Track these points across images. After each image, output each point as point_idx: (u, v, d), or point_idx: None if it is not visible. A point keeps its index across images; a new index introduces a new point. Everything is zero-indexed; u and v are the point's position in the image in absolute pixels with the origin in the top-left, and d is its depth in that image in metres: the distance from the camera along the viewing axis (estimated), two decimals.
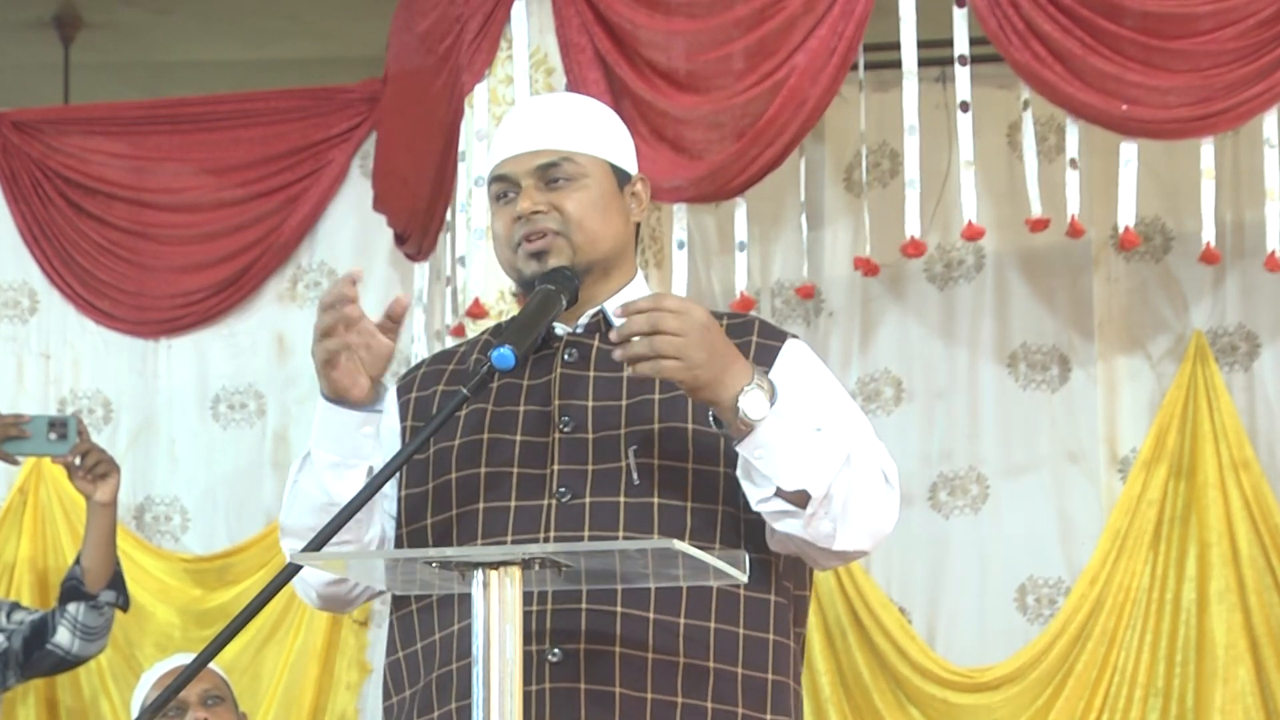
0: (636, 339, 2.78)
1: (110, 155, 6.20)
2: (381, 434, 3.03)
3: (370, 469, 2.96)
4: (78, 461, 5.02)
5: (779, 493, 2.83)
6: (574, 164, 3.02)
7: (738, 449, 2.83)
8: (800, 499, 2.83)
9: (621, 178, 3.07)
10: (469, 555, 2.62)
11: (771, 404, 2.80)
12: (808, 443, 2.83)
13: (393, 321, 2.93)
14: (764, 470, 2.82)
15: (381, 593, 3.10)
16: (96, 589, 5.00)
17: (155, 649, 5.94)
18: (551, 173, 3.02)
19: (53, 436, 5.04)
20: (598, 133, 3.07)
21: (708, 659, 2.90)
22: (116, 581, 5.04)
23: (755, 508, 2.87)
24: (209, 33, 7.51)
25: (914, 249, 5.15)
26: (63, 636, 4.99)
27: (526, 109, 3.13)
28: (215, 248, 6.16)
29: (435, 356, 3.17)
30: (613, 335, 2.81)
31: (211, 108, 6.25)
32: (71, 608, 4.99)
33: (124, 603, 5.08)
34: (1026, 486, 5.81)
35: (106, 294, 6.17)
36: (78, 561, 5.05)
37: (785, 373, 2.98)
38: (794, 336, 3.07)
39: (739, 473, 2.87)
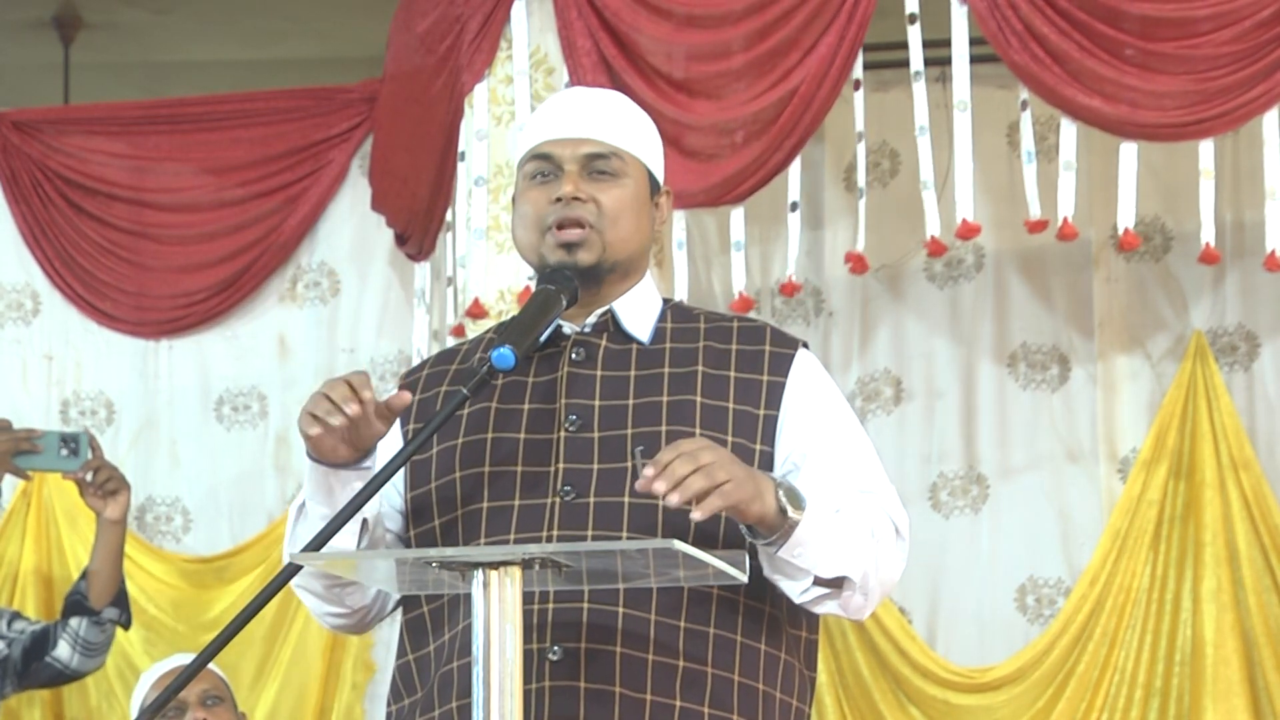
0: (689, 481, 2.70)
1: (110, 155, 6.20)
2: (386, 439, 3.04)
3: (365, 520, 2.94)
4: (89, 478, 5.02)
5: (817, 581, 2.85)
6: (620, 160, 3.01)
7: (778, 554, 2.82)
8: (837, 582, 2.86)
9: (653, 185, 3.07)
10: (469, 555, 2.62)
11: (801, 502, 2.81)
12: (836, 530, 2.84)
13: (390, 411, 2.87)
14: (803, 565, 2.83)
15: (392, 611, 3.09)
16: (100, 605, 4.99)
17: (156, 650, 5.94)
18: (598, 164, 3.00)
19: (64, 452, 5.03)
20: (642, 136, 3.07)
21: (706, 663, 2.89)
22: (120, 599, 5.03)
23: (796, 600, 2.88)
24: (209, 33, 7.51)
25: (935, 248, 5.15)
26: (63, 650, 4.98)
27: (576, 95, 3.12)
28: (215, 248, 6.16)
29: (438, 356, 3.16)
30: (658, 487, 2.68)
31: (211, 108, 6.25)
32: (74, 622, 4.99)
33: (126, 620, 5.07)
34: (1026, 486, 5.81)
35: (108, 295, 6.17)
36: (83, 576, 5.04)
37: (798, 394, 2.99)
38: (804, 345, 3.07)
39: (768, 572, 2.87)
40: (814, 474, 2.94)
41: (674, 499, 2.68)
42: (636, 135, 3.05)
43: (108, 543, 5.01)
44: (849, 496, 2.92)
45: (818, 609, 2.90)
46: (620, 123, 3.04)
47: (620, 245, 3.00)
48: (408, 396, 2.90)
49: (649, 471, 2.70)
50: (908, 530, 2.97)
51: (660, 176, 3.10)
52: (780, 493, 2.80)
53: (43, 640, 5.01)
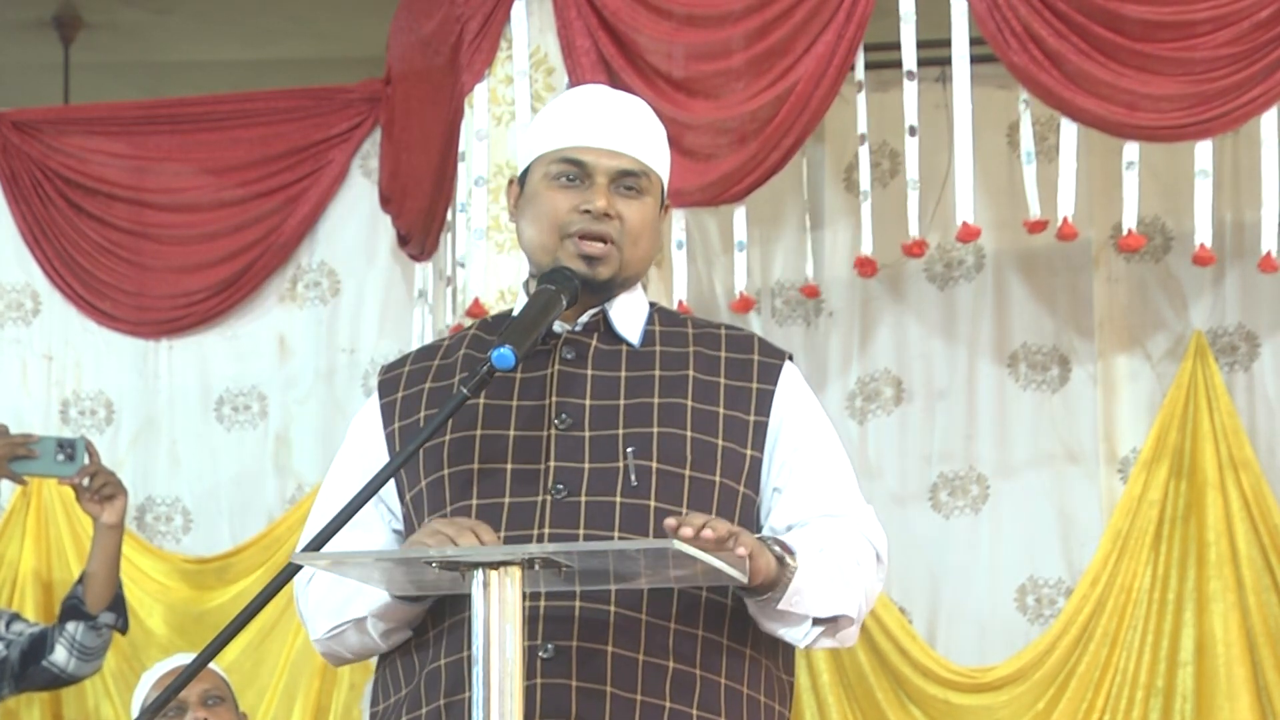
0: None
1: (110, 155, 6.20)
2: (364, 440, 3.04)
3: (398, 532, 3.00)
4: (85, 483, 5.02)
5: (815, 622, 2.88)
6: (648, 180, 3.02)
7: (778, 606, 2.84)
8: (833, 620, 2.90)
9: (661, 201, 3.08)
10: (469, 555, 2.62)
11: (792, 554, 2.83)
12: (827, 572, 2.87)
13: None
14: (801, 612, 2.86)
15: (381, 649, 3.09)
16: (97, 610, 4.99)
17: (157, 650, 5.95)
18: (628, 180, 3.00)
19: (60, 458, 5.03)
20: (665, 153, 3.09)
21: (695, 665, 2.90)
22: (117, 604, 5.03)
23: (800, 645, 2.93)
24: (209, 33, 7.51)
25: (916, 249, 5.15)
26: (60, 655, 4.98)
27: (611, 101, 3.09)
28: (215, 248, 6.16)
29: (419, 353, 3.13)
30: (707, 533, 2.70)
31: (211, 108, 6.25)
32: (70, 627, 4.99)
33: (123, 625, 5.07)
34: (1026, 486, 5.81)
35: (107, 295, 6.17)
36: (80, 580, 5.04)
37: (786, 405, 3.01)
38: (789, 357, 3.08)
39: (764, 622, 2.89)
40: (797, 495, 2.96)
41: (708, 535, 2.67)
42: (661, 152, 3.07)
43: (104, 547, 5.01)
44: (828, 529, 2.94)
45: (818, 647, 2.94)
46: (651, 139, 3.05)
47: (637, 263, 3.02)
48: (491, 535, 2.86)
49: (684, 530, 2.67)
50: (886, 553, 3.00)
51: (667, 190, 3.11)
52: (773, 546, 2.82)
53: (41, 643, 5.01)
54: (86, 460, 5.05)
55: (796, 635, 2.90)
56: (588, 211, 2.96)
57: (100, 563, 5.00)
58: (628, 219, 2.98)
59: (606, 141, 3.00)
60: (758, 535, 2.84)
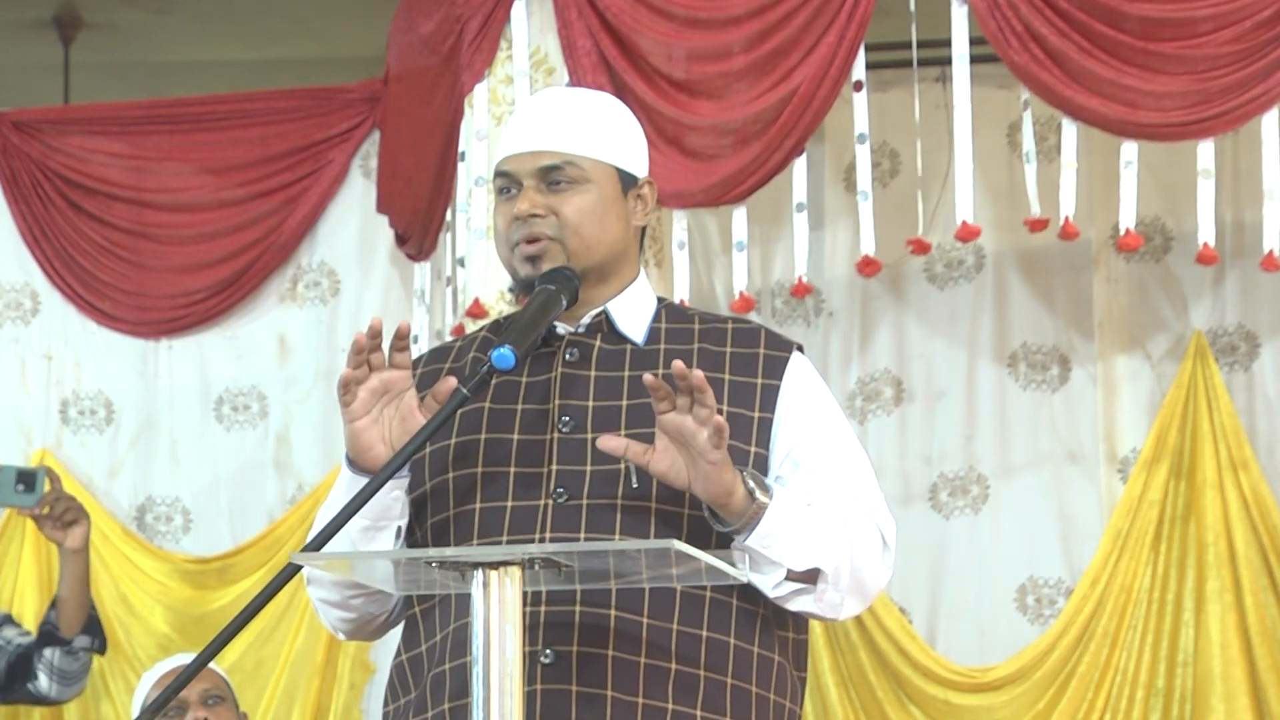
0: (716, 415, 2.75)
1: (110, 155, 6.20)
2: None
3: (400, 528, 2.94)
4: (44, 512, 4.97)
5: (789, 575, 2.84)
6: (576, 168, 2.99)
7: (747, 542, 2.82)
8: (810, 577, 2.85)
9: (627, 181, 3.04)
10: (469, 555, 2.62)
11: (768, 492, 2.82)
12: (807, 521, 2.84)
13: (436, 404, 2.87)
14: (774, 557, 2.82)
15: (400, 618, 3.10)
16: (71, 634, 4.97)
17: (157, 650, 5.95)
18: (553, 175, 2.99)
19: (20, 488, 4.98)
20: (606, 135, 3.04)
21: (698, 666, 2.88)
22: (92, 626, 5.00)
23: (770, 595, 2.87)
24: (209, 33, 7.51)
25: (919, 247, 5.15)
26: (42, 681, 4.97)
27: (535, 105, 3.10)
28: (215, 248, 6.16)
29: (431, 355, 3.14)
30: (690, 376, 2.75)
31: (211, 108, 6.25)
32: (48, 653, 4.97)
33: (100, 646, 5.04)
34: (1026, 486, 5.81)
35: (107, 295, 6.17)
36: (53, 605, 5.02)
37: (792, 398, 2.98)
38: (799, 348, 3.06)
39: (739, 565, 2.85)
40: (805, 481, 2.93)
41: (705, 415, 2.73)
42: (596, 137, 3.02)
43: (72, 572, 4.97)
44: (826, 494, 2.92)
45: (792, 605, 2.89)
46: (577, 128, 3.02)
47: (586, 252, 2.99)
48: (453, 382, 2.88)
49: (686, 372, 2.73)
50: (894, 539, 2.96)
51: (636, 168, 3.06)
52: (747, 478, 2.81)
53: (27, 661, 4.99)
54: (46, 489, 5.00)
55: (767, 584, 2.85)
56: (518, 219, 2.99)
57: (69, 588, 4.97)
58: (563, 212, 2.98)
59: (526, 145, 3.01)
60: (745, 469, 2.83)
